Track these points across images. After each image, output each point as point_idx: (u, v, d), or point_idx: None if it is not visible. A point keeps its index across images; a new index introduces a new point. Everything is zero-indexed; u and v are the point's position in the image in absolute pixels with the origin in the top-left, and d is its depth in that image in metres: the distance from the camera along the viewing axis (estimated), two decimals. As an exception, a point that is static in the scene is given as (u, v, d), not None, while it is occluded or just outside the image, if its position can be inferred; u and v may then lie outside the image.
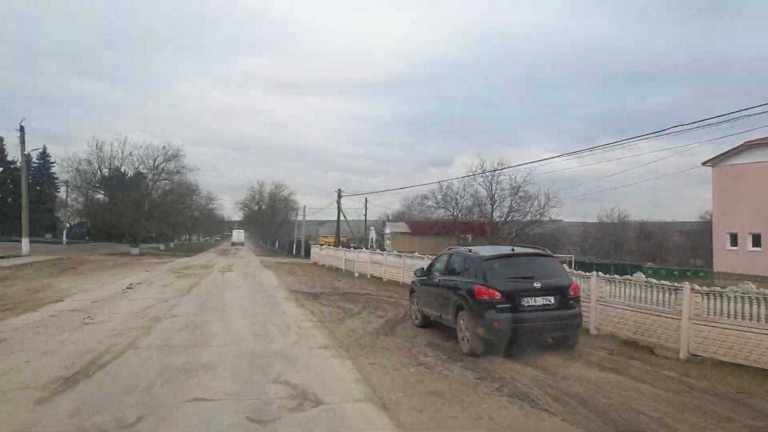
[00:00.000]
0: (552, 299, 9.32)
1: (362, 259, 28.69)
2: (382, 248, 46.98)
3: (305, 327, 11.59)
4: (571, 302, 9.54)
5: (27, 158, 41.71)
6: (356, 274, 28.38)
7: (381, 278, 24.90)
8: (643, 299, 10.70)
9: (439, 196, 48.80)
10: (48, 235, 66.38)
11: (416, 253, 22.26)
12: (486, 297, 9.17)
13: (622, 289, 11.30)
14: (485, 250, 10.30)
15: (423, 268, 12.33)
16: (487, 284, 9.24)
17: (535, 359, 9.10)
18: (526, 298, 9.19)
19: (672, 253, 68.87)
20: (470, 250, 10.39)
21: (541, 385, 7.64)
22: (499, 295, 9.12)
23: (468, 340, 9.41)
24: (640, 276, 11.20)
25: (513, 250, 10.10)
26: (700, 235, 68.31)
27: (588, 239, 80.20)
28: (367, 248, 42.82)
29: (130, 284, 19.92)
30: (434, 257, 19.38)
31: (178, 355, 8.40)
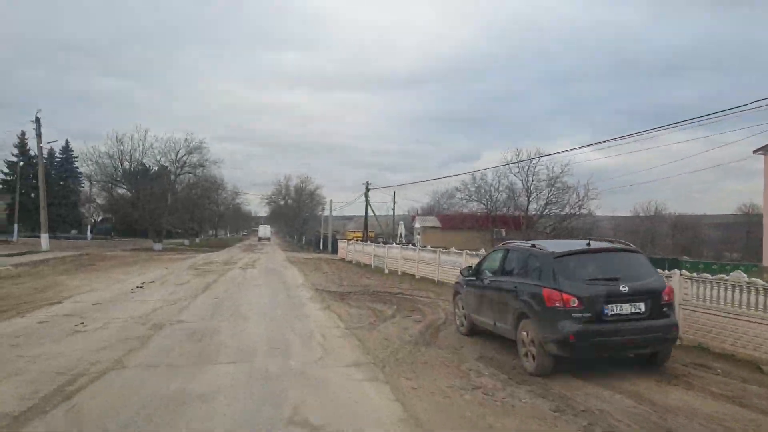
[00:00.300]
0: (642, 306, 7.35)
1: (393, 255, 26.86)
2: (412, 243, 45.01)
3: (331, 336, 9.79)
4: (664, 309, 7.57)
5: (47, 151, 40.75)
6: (386, 271, 26.59)
7: (413, 275, 23.04)
8: (744, 303, 8.66)
9: (472, 189, 46.58)
10: (73, 231, 66.02)
11: (453, 249, 20.33)
12: (558, 304, 7.24)
13: (715, 290, 9.25)
14: (553, 245, 8.33)
15: (470, 267, 10.39)
16: (559, 288, 7.30)
17: (619, 381, 7.18)
18: (609, 305, 7.24)
19: (707, 246, 66.10)
20: (533, 245, 8.43)
21: (643, 421, 5.75)
22: (576, 301, 7.18)
23: (534, 357, 7.50)
24: (739, 275, 9.12)
25: (588, 244, 8.10)
26: (736, 228, 65.31)
27: (618, 233, 77.44)
28: (396, 243, 40.97)
29: (142, 282, 18.42)
30: (484, 254, 17.34)
31: (172, 378, 6.64)
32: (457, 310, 10.62)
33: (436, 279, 20.34)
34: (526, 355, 7.72)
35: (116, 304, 13.18)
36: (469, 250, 19.37)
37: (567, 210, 42.82)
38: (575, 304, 7.16)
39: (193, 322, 10.73)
